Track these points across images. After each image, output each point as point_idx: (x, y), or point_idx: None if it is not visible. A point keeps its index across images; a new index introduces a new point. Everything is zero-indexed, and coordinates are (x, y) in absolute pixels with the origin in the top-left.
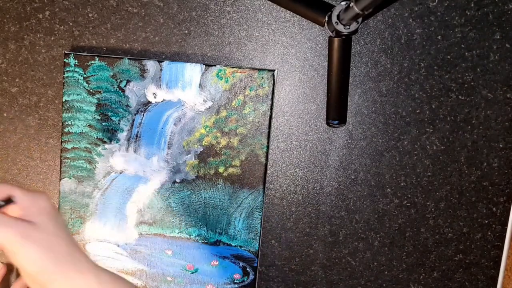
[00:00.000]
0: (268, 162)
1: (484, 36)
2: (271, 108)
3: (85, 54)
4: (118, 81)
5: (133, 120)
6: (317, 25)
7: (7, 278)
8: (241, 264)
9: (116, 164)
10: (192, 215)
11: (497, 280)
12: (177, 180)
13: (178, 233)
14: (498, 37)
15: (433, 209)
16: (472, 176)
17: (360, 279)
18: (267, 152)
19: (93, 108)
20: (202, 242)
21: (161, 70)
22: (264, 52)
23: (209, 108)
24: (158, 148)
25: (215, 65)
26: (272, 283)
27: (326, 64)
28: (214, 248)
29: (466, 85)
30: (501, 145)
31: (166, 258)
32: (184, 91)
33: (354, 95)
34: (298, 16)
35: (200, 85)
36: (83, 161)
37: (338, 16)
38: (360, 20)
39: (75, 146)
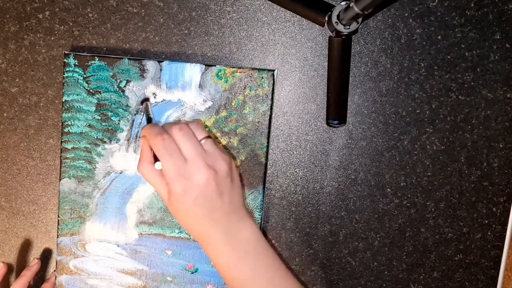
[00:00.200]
0: (268, 162)
1: (484, 36)
2: (271, 108)
3: (85, 54)
4: (118, 81)
5: (133, 120)
6: (317, 25)
7: (7, 278)
8: None
9: (116, 164)
10: None
11: (497, 280)
12: None
13: (178, 233)
14: (498, 37)
15: (433, 209)
16: (472, 176)
17: (360, 279)
18: (267, 152)
19: (93, 108)
20: None
21: (161, 70)
22: (264, 52)
23: (209, 108)
24: None
25: (215, 65)
26: None
27: (326, 64)
28: None
29: (466, 85)
30: (501, 145)
31: (166, 258)
32: (184, 91)
33: (354, 95)
34: (298, 16)
35: (200, 85)
36: (83, 161)
37: (338, 16)
38: (360, 20)
39: (75, 146)
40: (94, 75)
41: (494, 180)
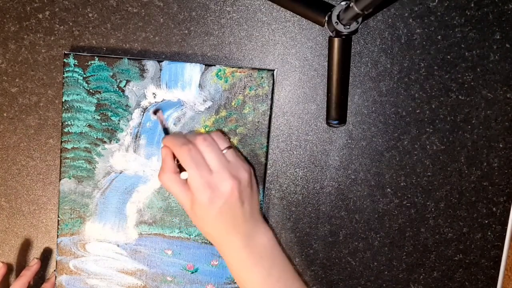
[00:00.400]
0: (268, 162)
1: (484, 36)
2: (271, 108)
3: (84, 54)
4: (118, 81)
5: (133, 120)
6: (317, 25)
7: (6, 278)
8: None
9: (116, 164)
10: None
11: (497, 280)
12: None
13: (178, 233)
14: (498, 37)
15: (433, 209)
16: (472, 176)
17: (360, 279)
18: (267, 152)
19: (93, 108)
20: (202, 242)
21: (160, 70)
22: (264, 52)
23: (208, 108)
24: (158, 148)
25: (214, 65)
26: None
27: (326, 64)
28: (214, 248)
29: (466, 85)
30: (501, 145)
31: (166, 258)
32: (184, 91)
33: (354, 95)
34: (298, 16)
35: (200, 85)
36: (83, 161)
37: (338, 16)
38: (360, 20)
39: (74, 146)
40: (94, 75)
41: (494, 180)
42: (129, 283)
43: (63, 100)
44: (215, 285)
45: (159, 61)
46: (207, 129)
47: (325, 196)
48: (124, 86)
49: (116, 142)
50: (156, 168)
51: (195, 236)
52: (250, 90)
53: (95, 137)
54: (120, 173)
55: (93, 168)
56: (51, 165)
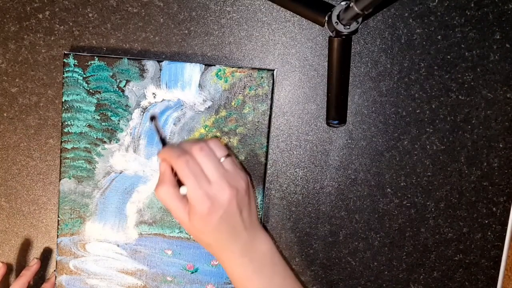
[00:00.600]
0: (268, 162)
1: (484, 36)
2: (271, 108)
3: (84, 54)
4: (118, 81)
5: (133, 120)
6: (317, 25)
7: (6, 278)
8: None
9: (116, 164)
10: None
11: (497, 280)
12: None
13: (178, 233)
14: (498, 37)
15: (433, 209)
16: (472, 176)
17: (360, 279)
18: (266, 152)
19: (93, 108)
20: None
21: (160, 70)
22: (264, 52)
23: (208, 107)
24: (158, 148)
25: (214, 65)
26: None
27: (326, 64)
28: None
29: (466, 85)
30: (501, 145)
31: (166, 258)
32: (184, 91)
33: (354, 95)
34: (298, 16)
35: (200, 85)
36: (83, 161)
37: (338, 16)
38: (360, 20)
39: (74, 146)
40: (94, 75)
41: (494, 180)
42: (129, 283)
43: (63, 100)
44: (215, 285)
45: (159, 61)
46: (207, 129)
47: (325, 196)
48: (124, 86)
49: (116, 142)
50: (156, 168)
51: None
52: (250, 90)
53: (95, 137)
54: (120, 173)
55: (93, 168)
56: (51, 165)
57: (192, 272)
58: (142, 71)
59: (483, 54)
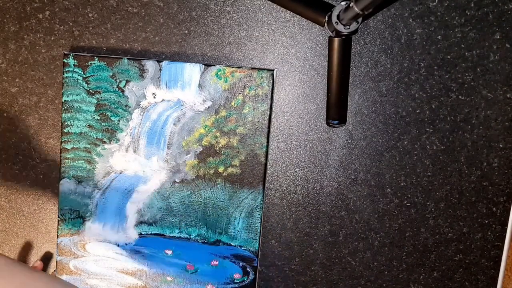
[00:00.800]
0: (268, 162)
1: (484, 36)
2: (271, 108)
3: (84, 54)
4: (118, 81)
5: (133, 120)
6: (317, 25)
7: None
8: (241, 263)
9: (115, 164)
10: (192, 215)
11: (497, 280)
12: (177, 180)
13: (178, 233)
14: (498, 37)
15: (433, 209)
16: (472, 176)
17: (360, 279)
18: (266, 152)
19: (93, 108)
20: (202, 242)
21: (160, 70)
22: (264, 52)
23: (208, 107)
24: (157, 148)
25: (214, 65)
26: (272, 283)
27: (326, 64)
28: (214, 248)
29: (466, 85)
30: (501, 145)
31: (166, 258)
32: (184, 91)
33: (354, 95)
34: (298, 16)
35: (200, 85)
36: (83, 161)
37: (338, 16)
38: (360, 20)
39: (74, 146)
40: (94, 75)
41: (494, 180)
42: (129, 283)
43: (63, 100)
44: (215, 285)
45: (158, 61)
46: (206, 129)
47: (325, 196)
48: (124, 86)
49: (116, 142)
50: (156, 168)
51: (195, 236)
52: (250, 90)
53: (95, 137)
54: (120, 173)
55: (93, 168)
56: (51, 165)
57: (192, 272)
58: (142, 71)
59: (483, 54)
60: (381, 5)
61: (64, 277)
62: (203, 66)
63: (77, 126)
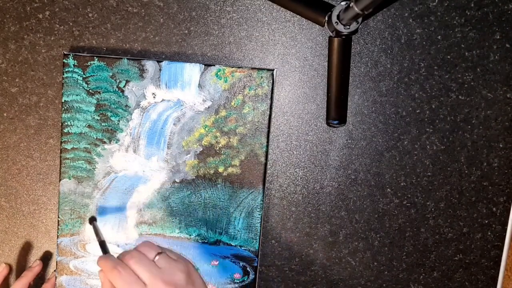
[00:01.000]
0: (268, 162)
1: (484, 36)
2: (271, 108)
3: (84, 54)
4: (117, 81)
5: (133, 120)
6: (317, 25)
7: (7, 278)
8: (241, 263)
9: (115, 164)
10: (192, 215)
11: (497, 280)
12: (177, 180)
13: (178, 233)
14: (498, 37)
15: (433, 209)
16: (472, 176)
17: (360, 279)
18: (266, 152)
19: (93, 109)
20: (202, 242)
21: (160, 70)
22: (264, 52)
23: (208, 107)
24: (157, 148)
25: (214, 65)
26: (272, 283)
27: (326, 64)
28: (214, 248)
29: (466, 85)
30: (501, 145)
31: None
32: (183, 91)
33: (354, 95)
34: (298, 16)
35: (199, 85)
36: (83, 161)
37: (338, 16)
38: (360, 20)
39: (74, 146)
40: (94, 75)
41: (494, 180)
42: None
43: (63, 101)
44: (215, 285)
45: (158, 61)
46: (206, 129)
47: (325, 196)
48: (124, 86)
49: (116, 143)
50: (156, 168)
51: (195, 236)
52: (249, 90)
53: (95, 138)
54: (120, 173)
55: (93, 168)
56: (51, 165)
57: None
58: (142, 71)
59: (483, 54)
60: (381, 5)
61: (64, 277)
62: (203, 66)
63: (77, 126)
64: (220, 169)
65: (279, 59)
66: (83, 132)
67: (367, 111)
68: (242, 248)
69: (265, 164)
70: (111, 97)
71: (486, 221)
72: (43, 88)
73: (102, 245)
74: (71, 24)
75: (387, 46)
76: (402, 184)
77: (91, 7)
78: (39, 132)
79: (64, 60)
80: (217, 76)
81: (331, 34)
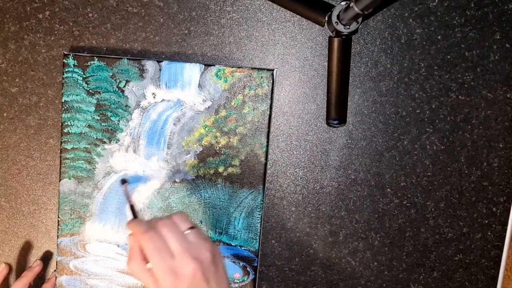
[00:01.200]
0: (268, 162)
1: (484, 36)
2: (271, 108)
3: (84, 54)
4: (117, 81)
5: (133, 120)
6: (317, 25)
7: (6, 278)
8: (241, 263)
9: (115, 164)
10: (192, 215)
11: (497, 280)
12: (177, 180)
13: None
14: (498, 37)
15: (433, 209)
16: (472, 176)
17: (360, 279)
18: (266, 152)
19: (93, 109)
20: None
21: (160, 70)
22: (264, 52)
23: (208, 107)
24: (157, 148)
25: (214, 65)
26: (272, 283)
27: (326, 64)
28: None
29: (466, 85)
30: (501, 145)
31: None
32: (183, 91)
33: (354, 95)
34: (298, 16)
35: (199, 85)
36: (83, 161)
37: (338, 16)
38: (360, 20)
39: (74, 146)
40: (94, 75)
41: (494, 180)
42: (129, 283)
43: (63, 101)
44: None
45: (158, 61)
46: (206, 129)
47: (325, 196)
48: (124, 86)
49: (116, 143)
50: (156, 168)
51: None
52: (249, 90)
53: (95, 138)
54: (120, 173)
55: (93, 168)
56: (51, 165)
57: None
58: (142, 71)
59: (483, 54)
60: (381, 5)
61: (64, 277)
62: (203, 66)
63: (77, 126)
64: (220, 169)
65: (279, 59)
66: (83, 132)
67: (367, 111)
68: (242, 248)
69: (265, 164)
70: (111, 97)
71: (486, 221)
72: (43, 88)
73: (132, 208)
74: (71, 24)
75: (387, 46)
76: (402, 184)
77: (91, 7)
78: (39, 132)
79: (64, 60)
80: (217, 76)
81: (331, 34)
